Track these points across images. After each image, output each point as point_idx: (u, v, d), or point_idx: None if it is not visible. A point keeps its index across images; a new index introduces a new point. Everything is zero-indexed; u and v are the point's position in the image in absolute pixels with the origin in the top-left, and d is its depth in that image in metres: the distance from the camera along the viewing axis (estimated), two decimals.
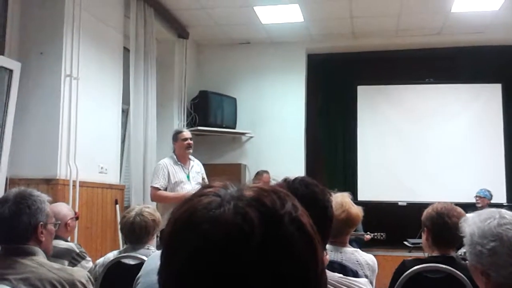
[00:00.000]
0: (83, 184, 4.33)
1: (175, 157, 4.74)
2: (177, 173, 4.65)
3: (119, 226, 2.98)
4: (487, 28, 6.43)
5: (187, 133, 4.80)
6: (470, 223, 1.49)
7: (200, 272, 0.59)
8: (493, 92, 7.13)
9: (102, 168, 4.69)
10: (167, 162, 4.69)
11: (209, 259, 0.58)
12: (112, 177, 4.89)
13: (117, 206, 4.86)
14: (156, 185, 4.59)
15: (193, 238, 0.60)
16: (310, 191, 1.44)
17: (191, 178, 4.70)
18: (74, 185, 4.20)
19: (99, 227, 4.60)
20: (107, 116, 4.84)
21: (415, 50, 6.97)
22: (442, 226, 2.20)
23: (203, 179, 4.85)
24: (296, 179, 1.48)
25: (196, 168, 4.84)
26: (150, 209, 2.72)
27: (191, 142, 4.74)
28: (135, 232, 2.60)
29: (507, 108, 7.08)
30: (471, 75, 7.10)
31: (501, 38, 6.62)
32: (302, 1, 5.70)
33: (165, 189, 4.61)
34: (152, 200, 4.71)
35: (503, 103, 7.07)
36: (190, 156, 4.82)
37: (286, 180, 1.48)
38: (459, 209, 2.25)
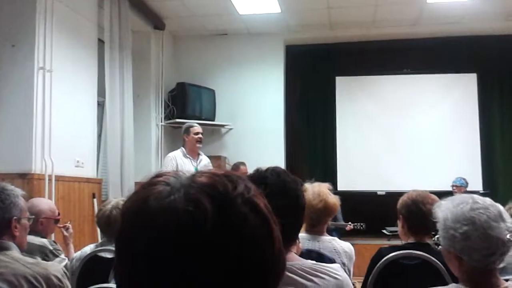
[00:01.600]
0: (59, 178, 4.26)
1: (184, 150, 4.88)
2: (186, 165, 4.78)
3: (95, 220, 2.95)
4: (463, 18, 6.51)
5: (198, 128, 4.95)
6: (443, 208, 1.51)
7: (155, 263, 0.58)
8: (468, 82, 7.24)
9: (78, 162, 4.62)
10: (176, 154, 4.87)
11: (164, 249, 0.58)
12: (89, 171, 4.83)
13: (95, 200, 4.81)
14: None
15: (146, 229, 0.59)
16: (281, 180, 1.44)
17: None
18: (50, 180, 4.13)
19: (76, 222, 4.54)
20: (83, 109, 4.77)
21: (392, 41, 7.02)
22: (417, 213, 2.23)
23: None
24: (268, 169, 1.48)
25: (205, 163, 4.99)
26: None
27: (202, 136, 4.91)
28: (112, 225, 2.57)
29: (483, 97, 7.20)
30: (447, 65, 7.20)
31: (476, 28, 6.71)
32: None
33: None
34: None
35: (479, 92, 7.19)
36: (199, 151, 4.97)
37: (258, 171, 1.48)
38: (433, 196, 2.28)
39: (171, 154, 4.86)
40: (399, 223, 2.34)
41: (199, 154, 4.94)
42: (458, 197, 1.52)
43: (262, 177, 1.43)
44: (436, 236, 1.54)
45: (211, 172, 0.64)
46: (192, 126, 4.94)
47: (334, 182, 7.00)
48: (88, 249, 2.72)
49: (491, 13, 6.35)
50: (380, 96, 7.39)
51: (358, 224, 6.23)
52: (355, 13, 6.38)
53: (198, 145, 4.85)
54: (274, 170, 1.47)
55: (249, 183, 0.65)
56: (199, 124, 6.66)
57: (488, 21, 6.57)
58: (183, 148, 4.89)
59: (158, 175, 0.65)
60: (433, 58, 7.24)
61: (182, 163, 4.75)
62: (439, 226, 1.50)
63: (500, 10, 6.29)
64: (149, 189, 0.62)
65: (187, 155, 4.83)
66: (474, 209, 1.45)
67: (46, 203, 3.16)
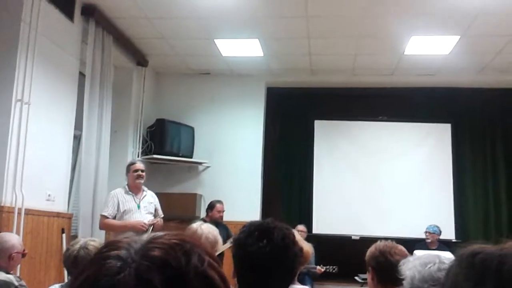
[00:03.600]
0: (28, 212, 4.17)
1: (127, 187, 4.89)
2: (127, 202, 4.78)
3: (63, 259, 2.88)
4: (438, 70, 6.73)
5: (138, 165, 4.97)
6: (410, 266, 1.53)
7: None
8: (443, 131, 7.43)
9: (49, 195, 4.53)
10: (118, 191, 4.85)
11: None
12: (60, 205, 4.73)
13: (64, 235, 4.70)
14: (104, 213, 4.75)
15: None
16: (284, 244, 1.57)
17: (141, 207, 4.83)
18: (19, 213, 4.04)
19: (44, 257, 4.42)
20: (58, 142, 4.71)
21: (370, 89, 7.21)
22: (385, 264, 2.23)
23: (156, 210, 4.98)
24: (276, 227, 1.61)
25: (149, 199, 4.95)
26: (96, 242, 2.63)
27: (143, 173, 4.90)
28: (79, 266, 2.50)
29: (456, 147, 7.38)
30: (422, 114, 7.39)
31: (451, 81, 6.93)
32: (262, 36, 5.82)
33: (114, 218, 4.73)
34: (100, 228, 4.88)
35: (452, 142, 7.38)
36: (143, 187, 4.96)
37: (265, 222, 1.63)
38: (400, 247, 2.30)
39: (113, 192, 4.87)
40: (369, 275, 2.34)
41: (143, 190, 4.95)
42: (424, 256, 1.54)
43: (268, 233, 1.57)
44: None
45: (163, 242, 0.63)
46: (132, 164, 5.00)
47: (309, 225, 7.03)
48: None
49: (465, 67, 6.59)
50: (357, 141, 7.50)
51: (330, 267, 6.21)
52: (335, 61, 6.55)
53: (137, 181, 4.86)
54: (281, 231, 1.60)
55: (203, 251, 0.63)
56: (177, 160, 6.73)
57: (462, 74, 6.80)
58: (126, 186, 4.92)
59: (109, 246, 0.63)
60: (409, 107, 7.43)
61: (124, 200, 4.77)
62: (406, 284, 1.51)
63: (473, 64, 6.53)
64: (101, 264, 0.60)
65: (129, 192, 4.84)
66: (441, 270, 1.47)
67: (15, 237, 3.20)
